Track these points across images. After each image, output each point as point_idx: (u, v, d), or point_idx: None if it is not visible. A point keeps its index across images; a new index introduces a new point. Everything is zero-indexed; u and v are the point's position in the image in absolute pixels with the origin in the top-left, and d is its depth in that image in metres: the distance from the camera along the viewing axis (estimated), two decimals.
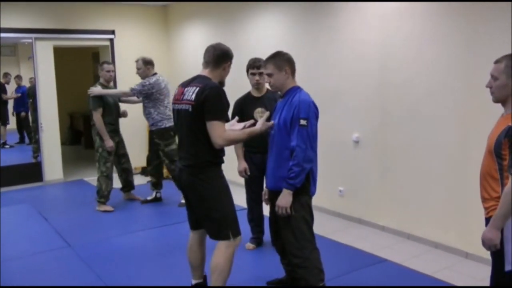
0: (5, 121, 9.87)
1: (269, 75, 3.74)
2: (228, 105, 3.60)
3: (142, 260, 5.09)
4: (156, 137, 6.88)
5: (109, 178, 6.87)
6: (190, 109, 3.54)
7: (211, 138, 3.48)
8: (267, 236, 4.93)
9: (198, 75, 3.73)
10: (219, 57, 3.71)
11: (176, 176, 3.83)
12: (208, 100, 3.47)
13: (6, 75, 9.59)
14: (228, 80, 3.88)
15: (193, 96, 3.53)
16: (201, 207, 3.70)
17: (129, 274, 4.73)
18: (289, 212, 3.62)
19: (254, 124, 3.71)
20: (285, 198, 3.60)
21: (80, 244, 5.57)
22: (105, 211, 6.82)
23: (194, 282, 4.05)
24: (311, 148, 3.60)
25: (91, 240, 5.70)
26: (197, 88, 3.54)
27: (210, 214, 3.66)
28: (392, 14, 5.33)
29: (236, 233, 3.71)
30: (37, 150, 9.12)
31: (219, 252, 3.66)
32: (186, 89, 3.64)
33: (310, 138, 3.59)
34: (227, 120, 3.64)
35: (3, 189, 8.16)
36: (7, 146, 9.95)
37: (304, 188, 3.66)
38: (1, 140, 9.92)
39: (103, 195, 6.87)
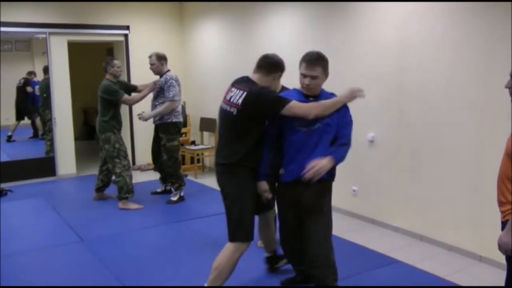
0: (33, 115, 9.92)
1: (315, 77, 3.58)
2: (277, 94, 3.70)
3: (154, 256, 5.09)
4: (161, 131, 6.89)
5: (130, 171, 6.81)
6: (235, 113, 3.64)
7: (301, 116, 3.53)
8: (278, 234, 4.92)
9: (248, 77, 3.81)
10: (272, 65, 3.81)
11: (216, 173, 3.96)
12: (265, 102, 3.59)
13: (31, 73, 9.65)
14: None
15: (240, 100, 3.62)
16: (224, 205, 3.84)
17: (141, 270, 4.73)
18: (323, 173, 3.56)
19: None
20: (331, 164, 3.53)
21: (93, 238, 5.59)
22: (137, 209, 6.69)
23: (265, 255, 4.60)
24: None
25: (104, 234, 5.72)
26: (245, 93, 3.62)
27: (228, 213, 3.80)
28: (410, 14, 5.29)
29: (247, 238, 3.76)
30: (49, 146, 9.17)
31: (224, 253, 3.75)
32: (233, 89, 3.76)
33: None
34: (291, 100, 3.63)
35: (17, 183, 8.23)
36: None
37: (331, 185, 3.77)
38: (40, 132, 10.00)
39: (129, 190, 6.73)
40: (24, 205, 7.11)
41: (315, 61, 3.57)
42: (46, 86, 8.82)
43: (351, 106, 5.92)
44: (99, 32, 9.01)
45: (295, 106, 3.54)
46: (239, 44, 8.13)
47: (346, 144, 3.65)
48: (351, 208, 6.23)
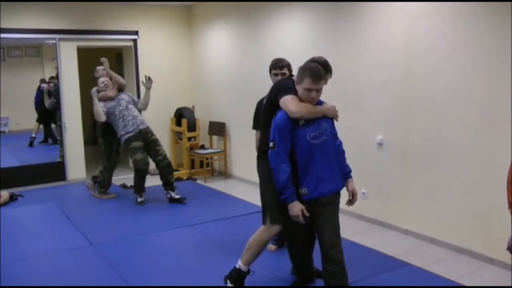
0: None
1: (319, 90, 3.66)
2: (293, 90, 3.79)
3: (164, 260, 5.11)
4: (152, 133, 7.31)
5: (111, 171, 7.59)
6: (265, 101, 4.15)
7: (285, 110, 3.65)
8: None
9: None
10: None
11: None
12: (278, 87, 3.89)
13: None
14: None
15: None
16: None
17: (150, 274, 4.74)
18: None
19: None
20: None
21: (102, 242, 5.60)
22: (109, 198, 7.51)
23: None
24: None
25: (113, 239, 5.74)
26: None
27: (261, 198, 4.15)
28: (417, 15, 5.28)
29: (272, 220, 3.99)
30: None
31: (256, 233, 4.10)
32: None
33: None
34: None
35: (28, 188, 8.26)
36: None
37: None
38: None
39: (105, 185, 7.57)
40: (35, 210, 7.13)
41: (321, 76, 3.62)
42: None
43: (358, 107, 5.93)
44: (108, 37, 9.06)
45: (287, 100, 3.66)
46: (247, 48, 8.13)
47: (341, 143, 3.99)
48: (360, 211, 6.20)
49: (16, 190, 7.97)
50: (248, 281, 4.16)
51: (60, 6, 8.52)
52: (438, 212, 5.30)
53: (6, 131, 10.05)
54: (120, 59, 10.23)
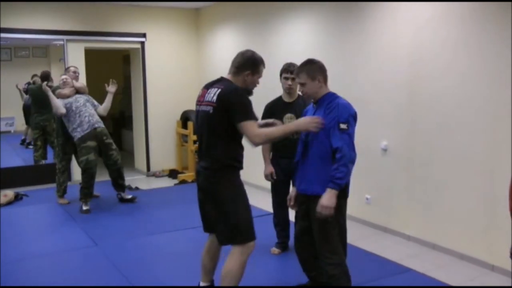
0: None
1: (302, 84, 3.70)
2: (251, 104, 3.53)
3: (168, 261, 5.14)
4: (107, 135, 7.15)
5: (63, 174, 7.39)
6: (211, 111, 3.52)
7: (247, 138, 3.48)
8: (292, 241, 4.93)
9: (222, 77, 3.73)
10: (240, 64, 3.66)
11: (196, 177, 3.89)
12: (232, 103, 3.46)
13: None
14: (259, 84, 3.83)
15: (214, 97, 3.51)
16: (217, 210, 3.67)
17: (154, 275, 4.78)
18: (332, 213, 3.52)
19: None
20: (332, 198, 3.50)
21: (107, 243, 5.63)
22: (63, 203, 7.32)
23: (202, 284, 4.03)
24: (353, 149, 3.59)
25: (118, 239, 5.77)
26: (219, 90, 3.53)
27: (225, 218, 3.62)
28: (424, 21, 5.30)
29: (250, 238, 3.63)
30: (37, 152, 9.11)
31: (232, 258, 3.60)
32: (208, 90, 3.64)
33: (352, 140, 3.59)
34: (256, 119, 3.58)
35: (32, 188, 8.31)
36: (30, 147, 10.05)
37: (343, 190, 3.63)
38: (27, 140, 10.02)
39: (57, 186, 7.39)
40: (39, 210, 7.19)
41: (297, 68, 3.87)
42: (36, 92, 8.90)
43: (363, 113, 5.94)
44: (116, 39, 9.10)
45: (249, 128, 3.46)
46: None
47: (343, 156, 3.52)
48: (364, 216, 6.23)
49: (21, 189, 8.02)
50: (249, 282, 4.17)
51: (68, 7, 8.59)
52: (440, 218, 5.32)
53: (12, 131, 10.10)
54: (127, 61, 10.28)
